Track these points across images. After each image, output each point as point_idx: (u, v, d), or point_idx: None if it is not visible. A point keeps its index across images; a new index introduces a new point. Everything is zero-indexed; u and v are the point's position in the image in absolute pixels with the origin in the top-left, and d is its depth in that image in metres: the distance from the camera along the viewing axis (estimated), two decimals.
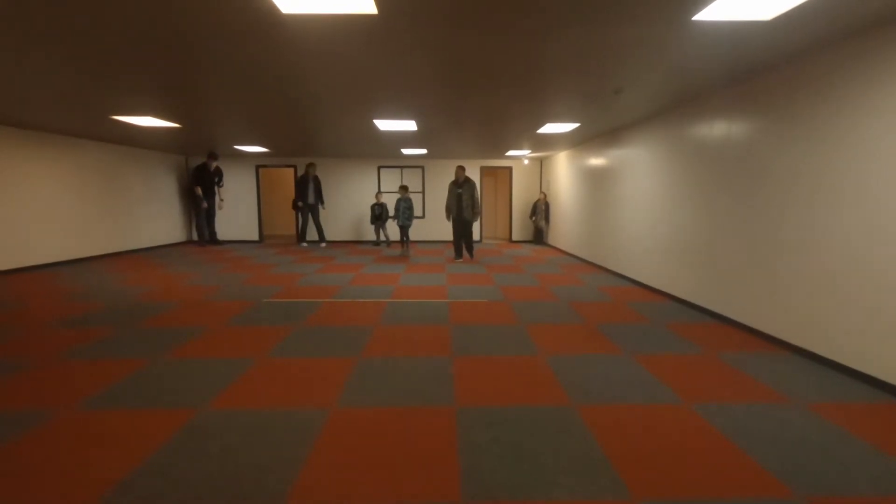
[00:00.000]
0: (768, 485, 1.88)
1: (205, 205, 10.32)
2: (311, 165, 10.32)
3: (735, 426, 2.37)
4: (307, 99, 4.89)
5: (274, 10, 2.61)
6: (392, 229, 11.49)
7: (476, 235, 11.93)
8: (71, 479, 1.90)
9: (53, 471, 1.96)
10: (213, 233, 10.74)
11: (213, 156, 10.11)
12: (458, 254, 8.53)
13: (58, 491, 1.83)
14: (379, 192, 10.86)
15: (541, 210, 11.26)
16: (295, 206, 10.49)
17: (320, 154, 10.66)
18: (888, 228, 2.73)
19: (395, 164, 11.60)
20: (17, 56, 3.41)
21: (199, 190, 10.18)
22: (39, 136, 7.24)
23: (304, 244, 10.82)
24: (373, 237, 11.14)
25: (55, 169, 7.53)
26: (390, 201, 11.39)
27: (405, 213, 9.23)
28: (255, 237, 11.57)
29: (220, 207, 10.74)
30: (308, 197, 10.35)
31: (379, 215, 10.68)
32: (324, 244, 10.88)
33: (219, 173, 10.51)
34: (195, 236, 11.08)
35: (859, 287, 2.92)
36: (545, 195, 11.28)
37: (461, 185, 8.13)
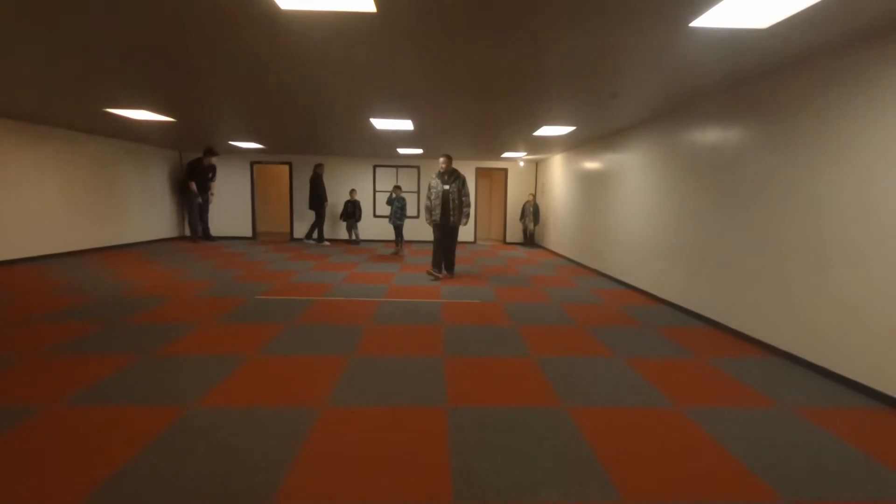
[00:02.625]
0: (756, 488, 1.90)
1: (199, 200, 10.24)
2: (320, 166, 10.34)
3: (724, 430, 2.38)
4: (304, 96, 4.87)
5: (273, 6, 2.59)
6: (363, 230, 11.42)
7: (470, 236, 11.93)
8: (57, 477, 1.88)
9: (39, 468, 1.94)
10: (206, 229, 10.65)
11: (211, 152, 10.04)
12: (440, 267, 6.60)
13: (44, 489, 1.80)
14: (353, 189, 10.76)
15: (528, 212, 11.21)
16: (320, 206, 10.36)
17: (315, 152, 10.62)
18: (880, 234, 2.76)
19: (390, 164, 11.59)
20: (10, 45, 3.36)
21: (194, 185, 10.10)
22: (30, 127, 7.14)
23: (327, 242, 10.79)
24: (350, 235, 10.96)
25: (46, 161, 7.43)
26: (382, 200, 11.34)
27: (398, 212, 9.22)
28: (249, 234, 11.50)
29: (210, 201, 10.68)
30: (325, 196, 10.41)
31: (351, 213, 10.58)
32: (316, 243, 10.89)
33: (212, 169, 10.43)
34: (188, 232, 10.98)
35: (849, 293, 2.95)
36: (533, 196, 11.31)
37: (448, 180, 6.29)
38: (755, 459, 2.12)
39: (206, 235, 10.67)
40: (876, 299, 2.77)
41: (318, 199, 10.30)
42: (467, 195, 6.38)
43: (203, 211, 10.49)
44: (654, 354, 3.54)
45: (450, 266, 6.68)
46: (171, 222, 10.89)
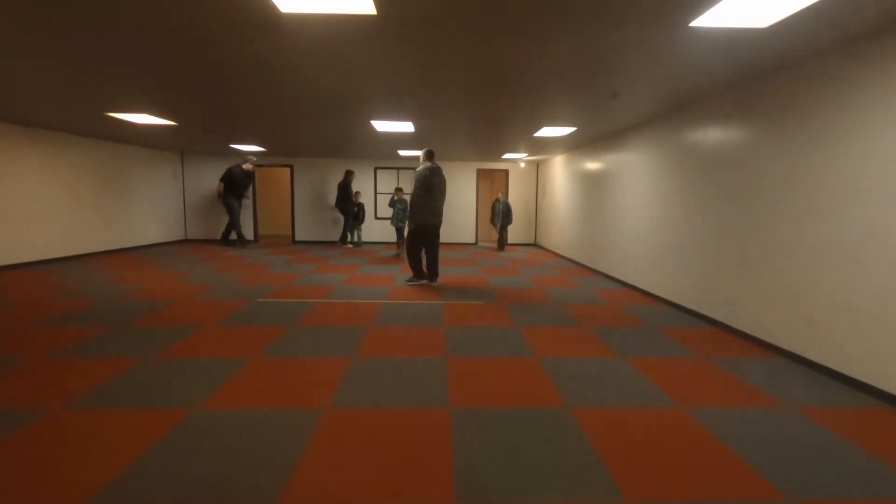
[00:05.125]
0: (760, 488, 1.89)
1: (236, 205, 9.94)
2: (350, 172, 10.31)
3: (728, 430, 2.38)
4: (304, 98, 4.88)
5: (273, 9, 2.60)
6: (364, 232, 11.47)
7: (471, 238, 11.92)
8: (61, 480, 1.88)
9: (43, 471, 1.94)
10: (227, 234, 10.32)
11: (248, 159, 9.90)
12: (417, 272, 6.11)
13: (48, 492, 1.81)
14: (357, 192, 10.73)
15: (498, 212, 10.38)
16: (346, 209, 10.40)
17: (317, 154, 10.64)
18: (883, 234, 2.76)
19: (391, 166, 11.60)
20: (12, 50, 3.38)
21: (223, 187, 9.76)
22: (34, 132, 7.18)
23: (350, 244, 10.85)
24: (353, 237, 10.93)
25: (50, 165, 7.47)
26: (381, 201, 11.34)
27: (400, 214, 9.23)
28: (251, 237, 11.51)
29: (244, 206, 10.50)
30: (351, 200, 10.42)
31: (355, 215, 10.59)
32: (343, 244, 10.86)
33: (249, 175, 10.20)
34: (227, 236, 10.42)
35: (852, 293, 2.94)
36: (502, 195, 10.62)
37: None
38: (759, 459, 2.11)
39: (226, 240, 10.34)
40: (880, 298, 2.76)
41: (346, 201, 10.32)
42: (415, 189, 5.71)
43: (234, 214, 10.16)
44: (657, 354, 3.54)
45: (428, 270, 6.14)
46: (175, 225, 10.91)
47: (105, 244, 8.75)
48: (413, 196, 5.78)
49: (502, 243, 10.57)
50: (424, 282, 6.15)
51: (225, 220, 11.12)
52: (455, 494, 1.83)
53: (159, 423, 2.35)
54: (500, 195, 10.60)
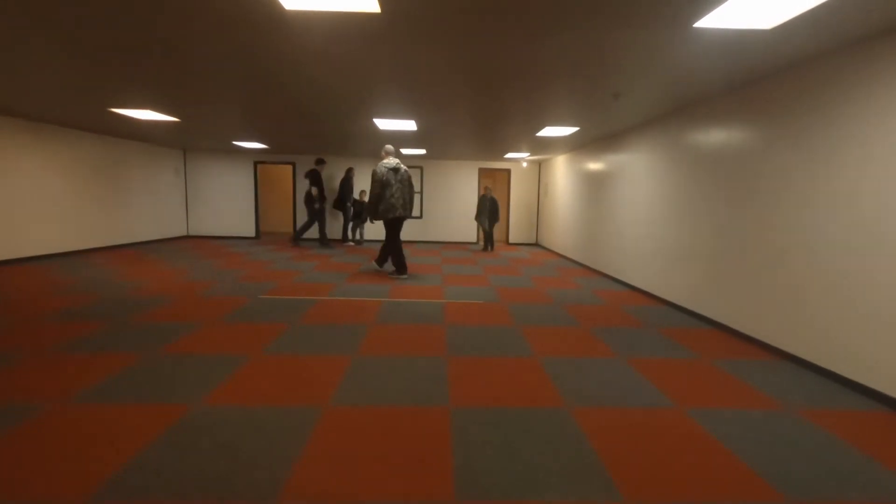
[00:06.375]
0: (760, 490, 1.89)
1: (316, 205, 9.80)
2: (351, 170, 10.26)
3: (728, 431, 2.38)
4: (307, 96, 4.88)
5: (277, 6, 2.60)
6: (368, 230, 11.49)
7: (473, 238, 11.92)
8: (61, 474, 1.89)
9: (43, 466, 1.95)
10: (323, 234, 10.16)
11: (322, 161, 9.85)
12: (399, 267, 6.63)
13: (48, 486, 1.81)
14: (363, 191, 10.73)
15: (484, 208, 9.74)
16: (343, 206, 10.33)
17: (318, 152, 10.64)
18: (887, 236, 2.75)
19: None
20: (16, 45, 3.39)
21: (315, 190, 9.63)
22: (36, 126, 7.19)
23: (352, 242, 10.80)
24: (354, 235, 10.88)
25: (52, 160, 7.48)
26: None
27: None
28: (252, 233, 11.53)
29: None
30: (350, 198, 10.35)
31: (358, 213, 10.52)
32: (351, 242, 10.81)
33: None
34: (326, 236, 10.25)
35: (856, 295, 2.94)
36: (488, 189, 9.84)
37: None
38: (759, 460, 2.11)
39: (326, 239, 10.18)
40: (883, 302, 2.76)
41: (343, 200, 10.26)
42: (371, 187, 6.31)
43: (322, 217, 10.09)
44: (657, 355, 3.54)
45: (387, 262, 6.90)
46: (177, 221, 10.93)
47: (106, 240, 8.77)
48: (370, 193, 6.28)
49: (491, 243, 10.13)
50: (405, 276, 6.58)
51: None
52: (454, 493, 1.83)
53: (160, 419, 2.36)
54: (486, 188, 9.79)
